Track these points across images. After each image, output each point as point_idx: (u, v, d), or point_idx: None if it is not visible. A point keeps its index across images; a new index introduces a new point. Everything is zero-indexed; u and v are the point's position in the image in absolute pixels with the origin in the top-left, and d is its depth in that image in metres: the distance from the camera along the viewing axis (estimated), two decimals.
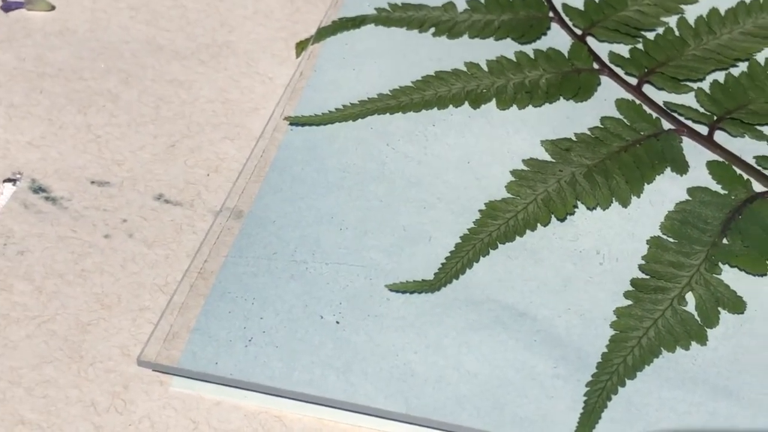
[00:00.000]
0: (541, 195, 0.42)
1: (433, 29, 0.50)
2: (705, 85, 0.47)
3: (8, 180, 0.44)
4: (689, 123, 0.46)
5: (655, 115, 0.46)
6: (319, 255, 0.40)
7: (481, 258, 0.40)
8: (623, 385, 0.36)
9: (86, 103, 0.47)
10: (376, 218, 0.41)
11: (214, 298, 0.38)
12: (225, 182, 0.44)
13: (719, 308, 0.39)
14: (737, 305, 0.39)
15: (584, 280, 0.40)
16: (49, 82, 0.48)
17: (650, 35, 0.50)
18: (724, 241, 0.40)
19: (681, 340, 0.38)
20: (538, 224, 0.41)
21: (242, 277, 0.39)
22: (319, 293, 0.39)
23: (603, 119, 0.45)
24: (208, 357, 0.37)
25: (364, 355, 0.37)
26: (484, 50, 0.49)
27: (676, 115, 0.46)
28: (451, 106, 0.46)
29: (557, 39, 0.50)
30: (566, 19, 0.51)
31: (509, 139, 0.45)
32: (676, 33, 0.49)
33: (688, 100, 0.47)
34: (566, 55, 0.48)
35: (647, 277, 0.39)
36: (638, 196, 0.42)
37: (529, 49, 0.49)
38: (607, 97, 0.47)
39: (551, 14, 0.51)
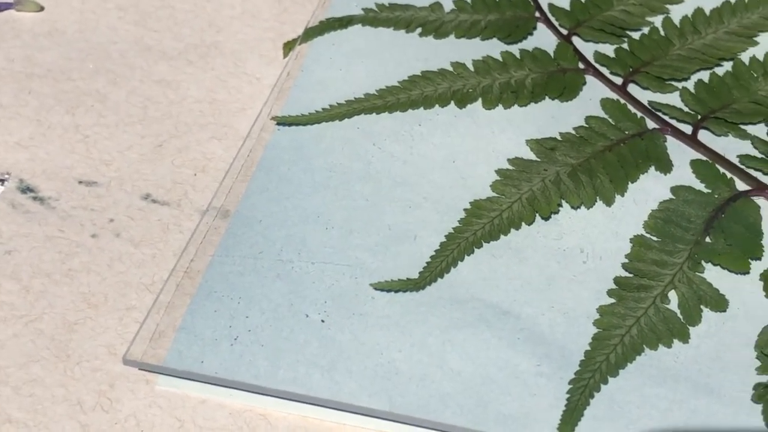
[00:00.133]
0: (526, 194, 0.42)
1: (419, 29, 0.50)
2: (690, 84, 0.48)
3: None
4: (674, 122, 0.46)
5: (639, 114, 0.46)
6: (305, 254, 0.40)
7: (466, 257, 0.40)
8: (606, 382, 0.36)
9: (74, 103, 0.47)
10: (362, 217, 0.42)
11: (200, 297, 0.39)
12: (212, 182, 0.44)
13: (702, 306, 0.39)
14: (719, 303, 0.39)
15: (568, 279, 0.40)
16: (37, 82, 0.48)
17: (636, 35, 0.50)
18: (707, 239, 0.41)
19: (663, 337, 0.38)
20: (523, 223, 0.41)
21: (228, 276, 0.39)
22: (304, 292, 0.39)
23: (588, 118, 0.45)
24: (194, 356, 0.37)
25: (348, 354, 0.37)
26: (470, 50, 0.49)
27: (660, 114, 0.46)
28: (437, 105, 0.46)
29: (543, 39, 0.50)
30: (552, 19, 0.51)
31: (495, 138, 0.45)
32: (662, 33, 0.50)
33: (673, 99, 0.47)
34: (552, 54, 0.48)
35: (630, 275, 0.40)
36: (622, 195, 0.43)
37: (515, 48, 0.49)
38: (593, 96, 0.47)
39: (537, 14, 0.51)
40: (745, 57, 0.49)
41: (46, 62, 0.49)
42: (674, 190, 0.43)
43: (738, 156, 0.44)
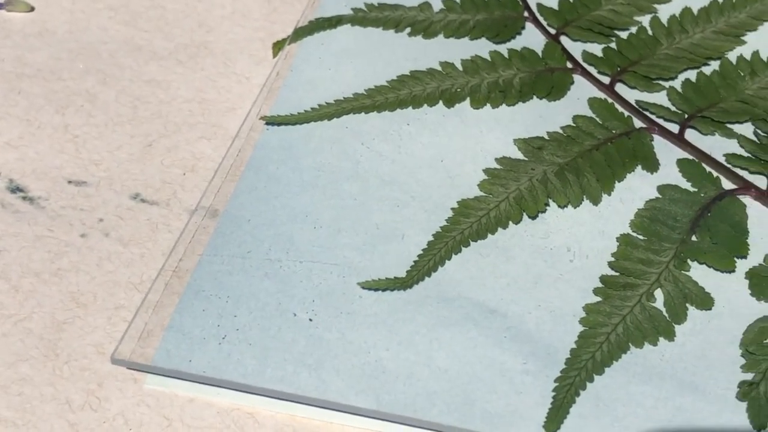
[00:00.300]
0: (513, 193, 0.42)
1: (408, 29, 0.50)
2: (677, 83, 0.48)
3: None
4: (661, 121, 0.46)
5: (627, 113, 0.46)
6: (293, 253, 0.40)
7: (454, 256, 0.40)
8: (591, 380, 0.37)
9: (64, 103, 0.48)
10: (350, 216, 0.42)
11: (189, 296, 0.39)
12: (201, 181, 0.44)
13: (687, 304, 0.39)
14: (705, 301, 0.39)
15: (554, 277, 0.40)
16: (27, 82, 0.48)
17: (623, 34, 0.50)
18: (693, 238, 0.41)
19: (649, 336, 0.38)
20: (510, 222, 0.42)
21: (217, 275, 0.39)
22: (292, 291, 0.39)
23: (575, 118, 0.45)
24: (182, 355, 0.37)
25: (336, 352, 0.37)
26: (459, 50, 0.49)
27: (647, 113, 0.46)
28: (425, 105, 0.46)
29: (531, 38, 0.50)
30: (541, 18, 0.51)
31: (482, 137, 0.45)
32: (649, 32, 0.50)
33: (660, 98, 0.47)
34: (540, 54, 0.49)
35: (617, 274, 0.40)
36: (609, 194, 0.43)
37: (503, 48, 0.49)
38: (580, 96, 0.47)
39: (526, 14, 0.51)
40: (732, 56, 0.49)
41: (36, 62, 0.49)
42: (661, 189, 0.43)
43: (724, 155, 0.45)
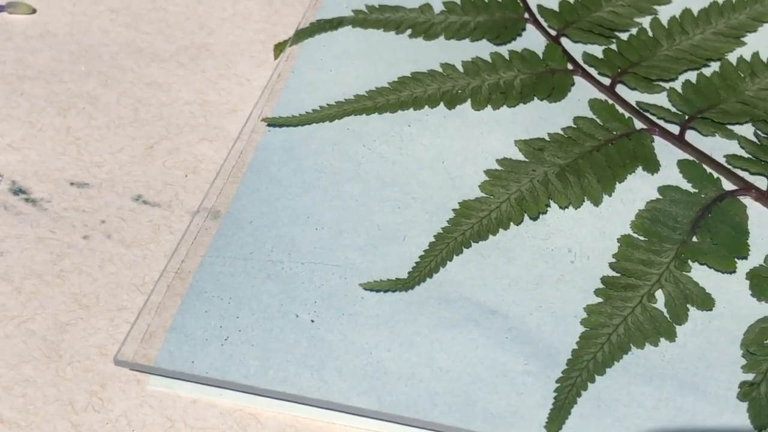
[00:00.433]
0: (515, 194, 0.42)
1: (409, 31, 0.50)
2: (677, 84, 0.48)
3: None
4: (661, 122, 0.46)
5: (627, 114, 0.46)
6: (294, 255, 0.40)
7: (455, 257, 0.41)
8: (593, 381, 0.37)
9: (66, 105, 0.48)
10: (352, 218, 0.42)
11: (191, 297, 0.39)
12: (203, 183, 0.45)
13: (688, 305, 0.39)
14: (706, 302, 0.39)
15: (556, 278, 0.40)
16: (29, 84, 0.49)
17: (624, 36, 0.50)
18: (694, 239, 0.41)
19: (650, 336, 0.38)
20: (511, 223, 0.42)
21: (219, 276, 0.40)
22: (294, 292, 0.39)
23: (576, 119, 0.46)
24: (185, 356, 0.37)
25: (338, 354, 0.37)
26: (460, 51, 0.49)
27: (648, 114, 0.47)
28: (426, 106, 0.46)
29: (532, 40, 0.50)
30: (541, 20, 0.51)
31: (483, 139, 0.45)
32: (650, 33, 0.50)
33: (661, 99, 0.47)
34: (541, 55, 0.49)
35: (617, 274, 0.40)
36: (610, 195, 0.43)
37: (504, 50, 0.49)
38: (581, 97, 0.47)
39: (526, 15, 0.52)
40: (732, 57, 0.49)
41: (37, 64, 0.50)
42: (661, 190, 0.43)
43: (725, 156, 0.45)
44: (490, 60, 0.48)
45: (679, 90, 0.47)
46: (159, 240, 0.42)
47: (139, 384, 0.38)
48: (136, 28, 0.52)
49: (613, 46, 0.50)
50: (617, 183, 0.43)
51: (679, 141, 0.45)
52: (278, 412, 0.37)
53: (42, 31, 0.51)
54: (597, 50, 0.50)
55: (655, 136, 0.46)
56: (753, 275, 0.40)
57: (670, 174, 0.44)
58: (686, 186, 0.43)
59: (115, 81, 0.49)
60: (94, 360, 0.38)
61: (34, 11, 0.53)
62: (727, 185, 0.44)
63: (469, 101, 0.47)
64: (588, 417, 0.36)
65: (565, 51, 0.49)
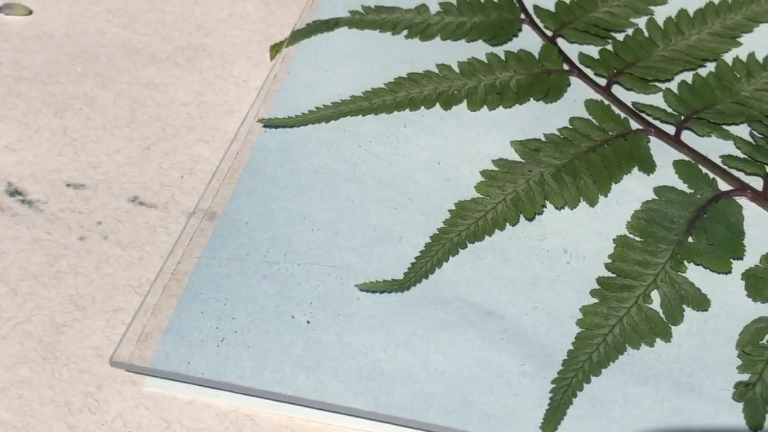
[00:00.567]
0: (510, 195, 0.42)
1: (406, 31, 0.50)
2: (673, 85, 0.48)
3: None
4: (657, 123, 0.46)
5: (623, 115, 0.46)
6: (291, 255, 0.40)
7: (451, 257, 0.41)
8: (588, 381, 0.37)
9: (62, 106, 0.48)
10: (348, 219, 0.42)
11: (187, 298, 0.39)
12: (199, 184, 0.45)
13: (684, 306, 0.39)
14: (701, 303, 0.39)
15: (551, 279, 0.40)
16: (25, 85, 0.49)
17: (620, 36, 0.50)
18: (690, 239, 0.41)
19: (646, 337, 0.38)
20: (507, 224, 0.42)
21: (215, 277, 0.40)
22: (290, 293, 0.39)
23: (572, 120, 0.46)
24: (181, 357, 0.37)
25: (334, 354, 0.37)
26: (456, 52, 0.49)
27: (644, 115, 0.47)
28: (422, 107, 0.46)
29: (528, 40, 0.50)
30: (537, 20, 0.51)
31: (479, 139, 0.45)
32: (645, 34, 0.50)
33: (656, 100, 0.47)
34: (537, 56, 0.49)
35: (613, 275, 0.40)
36: (606, 196, 0.43)
37: (500, 50, 0.49)
38: (577, 97, 0.47)
39: (522, 16, 0.52)
40: (728, 58, 0.49)
41: (34, 65, 0.50)
42: (657, 190, 0.43)
43: (720, 156, 0.45)
44: (486, 61, 0.48)
45: (675, 90, 0.47)
46: (155, 241, 0.42)
47: (135, 385, 0.38)
48: (132, 29, 0.52)
49: (609, 47, 0.50)
50: (613, 183, 0.44)
51: (675, 141, 0.45)
52: (274, 413, 0.37)
53: (38, 33, 0.52)
54: (593, 51, 0.50)
55: (650, 137, 0.46)
56: (749, 276, 0.40)
57: (666, 174, 0.44)
58: (682, 186, 0.43)
59: (112, 82, 0.49)
60: (90, 361, 0.38)
61: (30, 12, 0.53)
62: (723, 186, 0.44)
63: (465, 102, 0.47)
64: (584, 417, 0.36)
65: (561, 51, 0.49)
